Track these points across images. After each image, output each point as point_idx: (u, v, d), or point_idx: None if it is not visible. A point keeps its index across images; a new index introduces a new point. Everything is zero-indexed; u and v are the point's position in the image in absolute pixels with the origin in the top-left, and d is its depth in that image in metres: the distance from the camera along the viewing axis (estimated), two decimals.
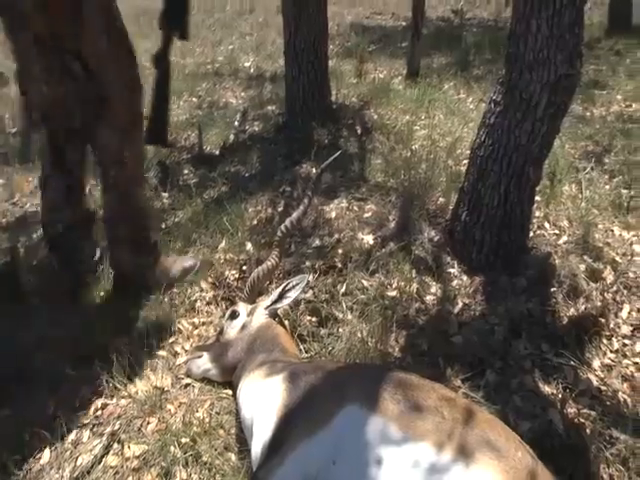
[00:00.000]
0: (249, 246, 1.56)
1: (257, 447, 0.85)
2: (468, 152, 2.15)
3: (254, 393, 0.93)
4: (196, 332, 1.30)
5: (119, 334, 1.25)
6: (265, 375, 0.94)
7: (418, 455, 0.71)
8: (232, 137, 2.46)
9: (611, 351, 1.18)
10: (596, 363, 1.15)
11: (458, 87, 3.24)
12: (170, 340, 1.27)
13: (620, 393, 1.08)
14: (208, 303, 1.38)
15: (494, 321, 1.26)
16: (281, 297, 1.13)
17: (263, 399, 0.89)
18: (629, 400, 1.07)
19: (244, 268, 1.46)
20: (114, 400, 1.10)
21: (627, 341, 1.21)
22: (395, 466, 0.72)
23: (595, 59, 3.88)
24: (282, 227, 1.23)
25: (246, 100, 3.16)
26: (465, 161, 2.08)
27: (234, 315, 1.16)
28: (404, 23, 6.72)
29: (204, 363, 1.14)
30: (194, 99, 3.24)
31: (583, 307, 1.29)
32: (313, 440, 0.77)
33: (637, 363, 1.16)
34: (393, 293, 1.33)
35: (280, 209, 1.78)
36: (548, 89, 1.18)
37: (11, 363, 1.16)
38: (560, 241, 1.54)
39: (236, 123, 2.59)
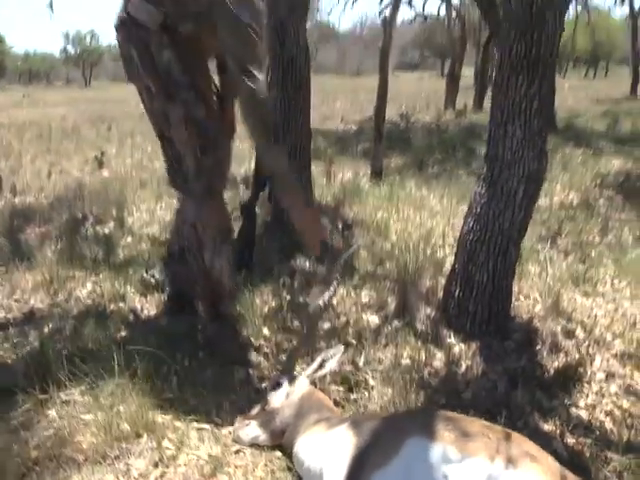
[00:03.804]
0: (265, 331, 1.89)
1: None
2: (441, 242, 2.72)
3: (319, 445, 1.21)
4: None
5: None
6: (326, 428, 1.24)
7: (476, 468, 1.02)
8: None
9: (592, 393, 1.60)
10: (582, 403, 1.56)
11: (419, 185, 3.96)
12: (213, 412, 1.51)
13: (606, 424, 1.47)
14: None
15: (494, 377, 1.66)
16: (320, 366, 1.46)
17: (332, 447, 1.17)
18: (614, 429, 1.46)
19: (266, 351, 1.79)
20: (171, 469, 1.31)
21: (603, 384, 1.64)
22: (457, 477, 1.02)
23: None
24: (314, 308, 1.57)
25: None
26: (440, 249, 2.63)
27: (277, 386, 1.46)
28: (354, 127, 7.92)
29: (253, 430, 1.39)
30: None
31: (564, 360, 1.73)
32: (387, 470, 1.06)
33: (614, 401, 1.58)
34: (406, 361, 1.71)
35: (286, 298, 2.15)
36: (524, 182, 1.72)
37: None
38: (536, 309, 2.02)
39: None
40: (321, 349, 1.75)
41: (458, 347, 1.80)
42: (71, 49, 40.19)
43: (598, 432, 1.44)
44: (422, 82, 25.36)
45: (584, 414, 1.51)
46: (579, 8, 14.19)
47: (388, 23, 3.81)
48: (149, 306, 2.22)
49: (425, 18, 13.44)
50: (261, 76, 1.55)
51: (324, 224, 1.63)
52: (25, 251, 2.81)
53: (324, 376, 1.56)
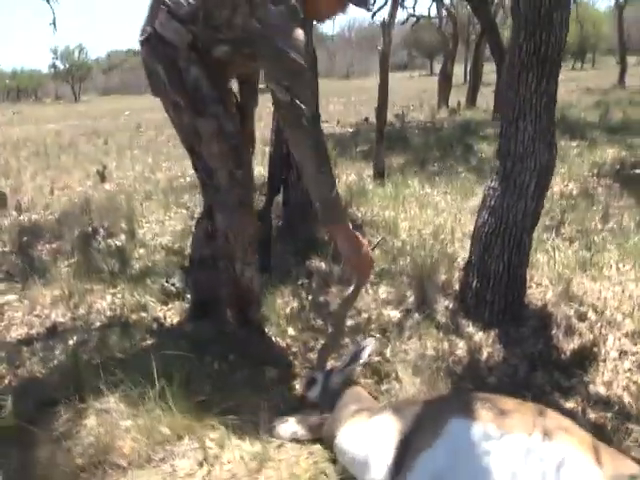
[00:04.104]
0: (291, 330, 1.98)
1: (379, 475, 1.19)
2: (450, 237, 2.82)
3: (362, 433, 1.28)
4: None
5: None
6: (368, 417, 1.31)
7: (516, 443, 1.09)
8: None
9: (607, 370, 1.70)
10: (598, 380, 1.66)
11: (422, 183, 4.06)
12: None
13: (624, 398, 1.56)
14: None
15: (515, 362, 1.75)
16: (353, 360, 1.53)
17: (375, 435, 1.25)
18: (632, 402, 1.55)
19: (294, 350, 1.87)
20: (217, 467, 1.39)
21: (617, 362, 1.74)
22: (501, 454, 1.09)
23: None
24: (340, 310, 1.65)
25: None
26: (450, 244, 2.72)
27: (312, 382, 1.54)
28: (350, 129, 8.04)
29: (292, 426, 1.47)
30: (183, 210, 3.77)
31: (579, 342, 1.83)
32: (432, 451, 1.13)
33: (629, 377, 1.68)
34: (431, 352, 1.80)
35: (307, 298, 2.23)
36: (536, 175, 1.82)
37: None
38: (547, 296, 2.11)
39: None
40: (347, 345, 1.85)
41: (478, 336, 1.89)
42: (60, 64, 40.21)
43: (617, 406, 1.54)
44: (412, 81, 25.62)
45: (602, 390, 1.60)
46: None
47: (387, 25, 3.91)
48: (171, 314, 2.30)
49: (417, 19, 13.58)
50: (312, 104, 1.51)
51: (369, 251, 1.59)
52: (39, 267, 2.88)
53: (356, 369, 1.64)
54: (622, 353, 1.77)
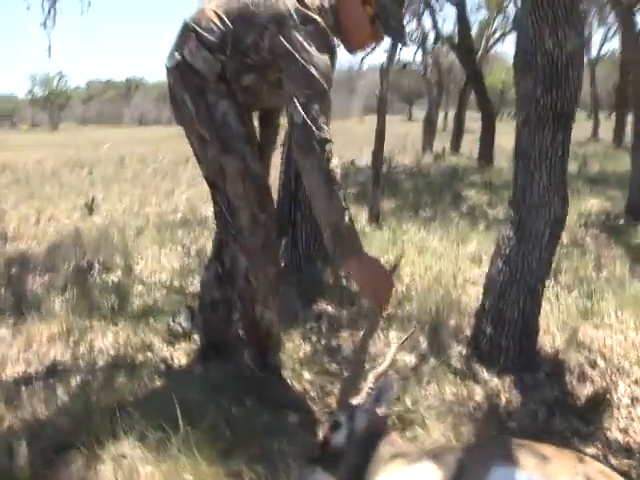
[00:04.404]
0: (307, 374, 1.98)
1: None
2: (452, 282, 2.90)
3: None
4: None
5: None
6: (406, 464, 1.30)
7: None
8: None
9: (622, 417, 1.77)
10: (614, 427, 1.72)
11: (418, 227, 4.17)
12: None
13: None
14: None
15: (533, 408, 1.81)
16: (377, 400, 1.53)
17: None
18: None
19: (312, 395, 1.87)
20: None
21: (630, 409, 1.82)
22: None
23: None
24: (358, 352, 1.67)
25: None
26: (453, 290, 2.80)
27: (336, 426, 1.52)
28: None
29: (321, 476, 1.45)
30: (179, 247, 3.76)
31: (591, 388, 1.90)
32: None
33: None
34: (450, 397, 1.83)
35: (320, 342, 2.25)
36: (550, 225, 1.92)
37: None
38: (556, 343, 2.20)
39: None
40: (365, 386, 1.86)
41: (494, 381, 1.95)
42: (38, 91, 40.02)
43: (638, 454, 1.59)
44: (392, 126, 26.43)
45: (620, 437, 1.66)
46: None
47: (386, 70, 4.11)
48: (179, 355, 2.27)
49: (404, 65, 14.20)
50: (325, 129, 1.46)
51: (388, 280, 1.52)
52: (32, 301, 2.82)
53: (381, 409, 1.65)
54: (634, 399, 1.85)
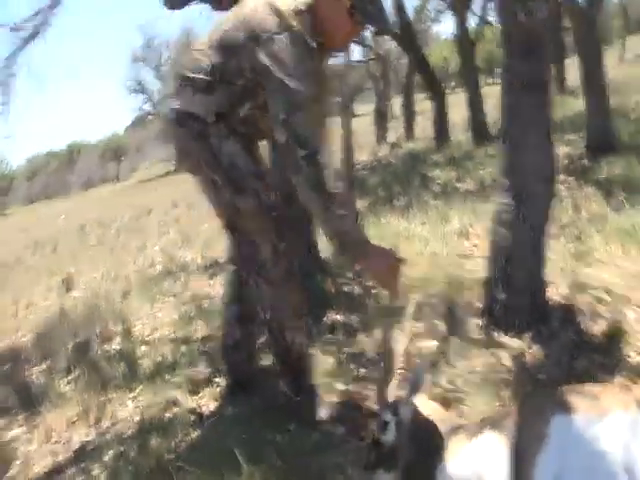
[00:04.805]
0: (339, 385, 2.03)
1: None
2: (447, 260, 2.99)
3: (469, 457, 1.31)
4: None
5: None
6: (468, 438, 1.34)
7: (618, 422, 1.14)
8: None
9: (638, 341, 1.89)
10: (633, 352, 1.84)
11: (396, 217, 4.28)
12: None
13: None
14: None
15: (557, 355, 1.90)
16: (414, 387, 1.57)
17: (484, 454, 1.27)
18: None
19: (350, 402, 1.92)
20: None
21: None
22: (608, 436, 1.14)
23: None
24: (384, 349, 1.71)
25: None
26: (449, 268, 2.90)
27: (384, 425, 1.56)
28: None
29: (386, 477, 1.48)
30: (171, 298, 3.74)
31: (604, 323, 2.01)
32: (544, 453, 1.17)
33: None
34: (481, 368, 1.91)
35: (341, 351, 2.29)
36: (543, 181, 2.03)
37: None
38: (560, 289, 2.31)
39: None
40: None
41: (515, 342, 2.04)
42: None
43: None
44: (335, 124, 26.75)
45: None
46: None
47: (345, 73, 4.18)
48: (206, 401, 2.27)
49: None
50: (311, 141, 1.46)
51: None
52: (38, 392, 2.77)
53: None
54: None
